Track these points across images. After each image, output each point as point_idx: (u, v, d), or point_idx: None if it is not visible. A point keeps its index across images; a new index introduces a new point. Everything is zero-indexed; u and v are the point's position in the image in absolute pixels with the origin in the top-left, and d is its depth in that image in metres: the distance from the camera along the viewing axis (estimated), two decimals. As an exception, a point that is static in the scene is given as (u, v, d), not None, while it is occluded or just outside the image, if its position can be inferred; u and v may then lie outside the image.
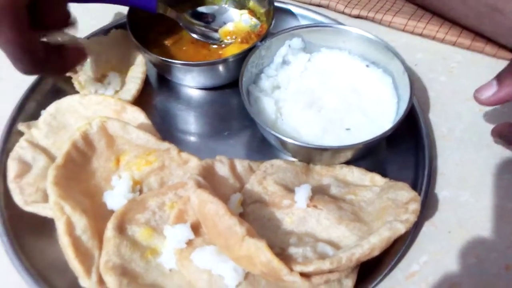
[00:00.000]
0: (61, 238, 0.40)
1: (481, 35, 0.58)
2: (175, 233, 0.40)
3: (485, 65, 0.57)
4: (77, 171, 0.44)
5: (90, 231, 0.40)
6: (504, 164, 0.49)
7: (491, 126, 0.52)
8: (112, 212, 0.42)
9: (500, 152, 0.50)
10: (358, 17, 0.63)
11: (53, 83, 0.56)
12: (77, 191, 0.43)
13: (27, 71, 0.40)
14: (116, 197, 0.43)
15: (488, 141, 0.51)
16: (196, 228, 0.41)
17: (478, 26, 0.57)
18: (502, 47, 0.57)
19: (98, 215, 0.42)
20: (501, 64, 0.57)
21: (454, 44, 0.59)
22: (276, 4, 0.56)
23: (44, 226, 0.43)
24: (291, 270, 0.35)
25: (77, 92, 0.53)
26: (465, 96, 0.55)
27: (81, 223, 0.40)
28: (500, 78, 0.44)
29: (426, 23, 0.61)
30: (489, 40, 0.58)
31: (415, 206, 0.39)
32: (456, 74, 0.57)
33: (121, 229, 0.41)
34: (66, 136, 0.48)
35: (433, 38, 0.60)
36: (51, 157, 0.47)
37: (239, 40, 0.56)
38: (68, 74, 0.54)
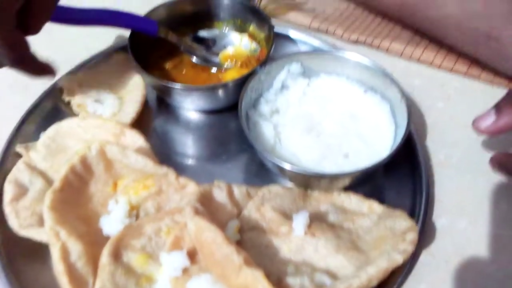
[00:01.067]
0: (55, 264, 0.39)
1: (477, 62, 0.59)
2: (171, 260, 0.39)
3: (481, 92, 0.58)
4: (74, 196, 0.43)
5: (85, 257, 0.40)
6: (501, 192, 0.49)
7: (488, 154, 0.52)
8: (108, 237, 0.42)
9: (496, 180, 0.50)
10: (356, 42, 0.64)
11: (52, 105, 0.56)
12: (73, 215, 0.43)
13: (11, 65, 0.43)
14: (112, 222, 0.43)
15: (485, 168, 0.51)
16: (192, 255, 0.40)
17: (474, 53, 0.58)
18: (498, 74, 0.58)
19: (94, 240, 0.42)
20: (497, 91, 0.58)
21: (451, 70, 0.60)
22: (275, 29, 0.57)
23: (39, 251, 0.43)
24: (288, 300, 0.35)
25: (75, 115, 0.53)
26: (463, 122, 0.55)
27: (76, 249, 0.40)
28: (498, 107, 0.44)
29: (423, 49, 0.61)
30: (485, 66, 0.59)
31: (412, 236, 0.39)
32: (453, 100, 0.58)
33: (116, 255, 0.40)
34: (64, 159, 0.48)
35: (430, 64, 0.61)
36: (49, 180, 0.47)
37: (239, 64, 0.57)
38: (67, 98, 0.54)
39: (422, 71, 0.61)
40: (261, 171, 0.52)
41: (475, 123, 0.45)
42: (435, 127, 0.55)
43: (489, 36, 0.54)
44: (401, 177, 0.50)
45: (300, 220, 0.42)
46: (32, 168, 0.48)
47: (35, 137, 0.51)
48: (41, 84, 0.57)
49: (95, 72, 0.58)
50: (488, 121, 0.44)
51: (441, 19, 0.57)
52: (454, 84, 0.59)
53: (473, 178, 0.50)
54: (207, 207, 0.42)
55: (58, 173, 0.44)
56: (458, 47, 0.59)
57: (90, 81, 0.57)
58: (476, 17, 0.54)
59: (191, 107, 0.57)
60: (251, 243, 0.42)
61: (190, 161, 0.54)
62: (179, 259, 0.39)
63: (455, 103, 0.57)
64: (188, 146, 0.55)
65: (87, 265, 0.40)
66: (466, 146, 0.53)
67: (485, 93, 0.57)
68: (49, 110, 0.56)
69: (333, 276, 0.38)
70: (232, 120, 0.56)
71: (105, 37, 0.64)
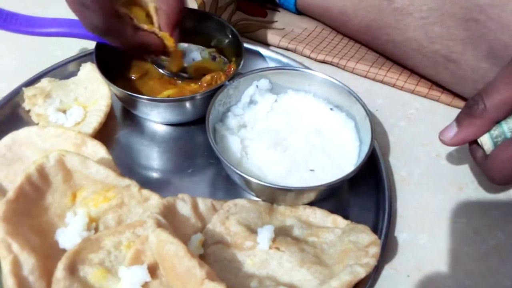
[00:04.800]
0: (6, 278, 0.37)
1: (437, 84, 0.62)
2: (131, 274, 0.38)
3: (440, 113, 0.60)
4: (29, 207, 0.41)
5: (39, 271, 0.38)
6: (458, 208, 0.51)
7: (447, 171, 0.54)
8: (64, 251, 0.40)
9: (455, 196, 0.52)
10: (323, 62, 0.66)
11: (10, 113, 0.54)
12: (27, 227, 0.40)
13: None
14: (69, 235, 0.41)
15: (443, 185, 0.53)
16: (153, 270, 0.39)
17: (435, 75, 0.61)
18: (457, 96, 0.61)
19: (49, 254, 0.39)
20: (456, 112, 0.60)
21: (412, 92, 0.63)
22: (245, 45, 0.58)
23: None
24: (251, 315, 0.34)
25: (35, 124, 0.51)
26: (423, 141, 0.57)
27: (29, 262, 0.38)
28: (458, 120, 0.47)
29: (386, 70, 0.64)
30: (445, 89, 0.62)
31: (375, 250, 0.39)
32: (414, 120, 0.60)
33: (72, 269, 0.38)
34: (20, 169, 0.46)
35: (393, 85, 0.63)
36: (3, 190, 0.45)
37: (208, 78, 0.57)
38: (27, 107, 0.53)
39: (385, 92, 0.63)
40: (227, 185, 0.52)
41: (440, 135, 0.48)
42: (397, 145, 0.57)
43: (448, 59, 0.57)
44: (365, 193, 0.51)
45: (265, 234, 0.42)
46: (-15, 178, 0.45)
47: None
48: (0, 91, 0.55)
49: (61, 81, 0.57)
50: (451, 133, 0.46)
51: (403, 42, 0.60)
52: (415, 105, 0.62)
53: (432, 195, 0.52)
54: (170, 220, 0.41)
55: (13, 183, 0.42)
56: (419, 69, 0.62)
57: (55, 90, 0.55)
58: (436, 41, 0.56)
59: (157, 119, 0.56)
60: (214, 257, 0.41)
61: (154, 174, 0.53)
62: (139, 274, 0.38)
63: (416, 122, 0.59)
64: (153, 159, 0.54)
65: (40, 280, 0.37)
66: (426, 164, 0.55)
67: (443, 115, 0.60)
68: (7, 118, 0.53)
69: (296, 290, 0.38)
70: (199, 134, 0.56)
71: (71, 46, 0.63)
